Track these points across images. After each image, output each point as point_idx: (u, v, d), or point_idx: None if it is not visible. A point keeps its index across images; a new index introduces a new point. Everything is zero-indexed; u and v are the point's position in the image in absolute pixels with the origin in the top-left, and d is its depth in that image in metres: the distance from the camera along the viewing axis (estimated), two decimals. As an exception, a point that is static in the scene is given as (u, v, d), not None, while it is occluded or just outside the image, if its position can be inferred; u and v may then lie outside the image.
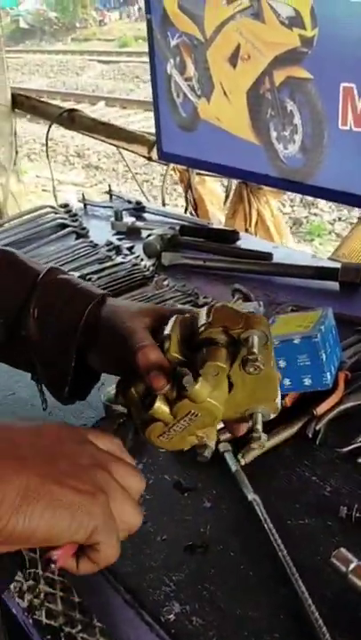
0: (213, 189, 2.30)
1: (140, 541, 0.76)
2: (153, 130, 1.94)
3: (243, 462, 0.84)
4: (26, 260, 0.74)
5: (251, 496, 0.79)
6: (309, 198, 4.87)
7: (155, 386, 0.56)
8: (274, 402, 0.60)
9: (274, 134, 1.47)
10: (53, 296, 0.69)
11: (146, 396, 0.57)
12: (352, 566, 0.65)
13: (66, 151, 7.64)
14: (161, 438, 0.57)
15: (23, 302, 0.70)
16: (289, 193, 3.80)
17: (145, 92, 9.49)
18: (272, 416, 0.61)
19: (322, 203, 4.92)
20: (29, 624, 0.96)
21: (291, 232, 4.70)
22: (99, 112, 8.36)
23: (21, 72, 13.47)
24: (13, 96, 2.89)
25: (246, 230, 2.20)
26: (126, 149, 2.30)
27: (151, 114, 1.87)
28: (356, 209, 4.46)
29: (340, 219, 4.81)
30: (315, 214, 4.90)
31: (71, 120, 2.46)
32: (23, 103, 2.88)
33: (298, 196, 4.92)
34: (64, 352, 0.67)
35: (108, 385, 1.02)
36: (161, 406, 0.56)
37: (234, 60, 1.50)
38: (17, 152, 2.90)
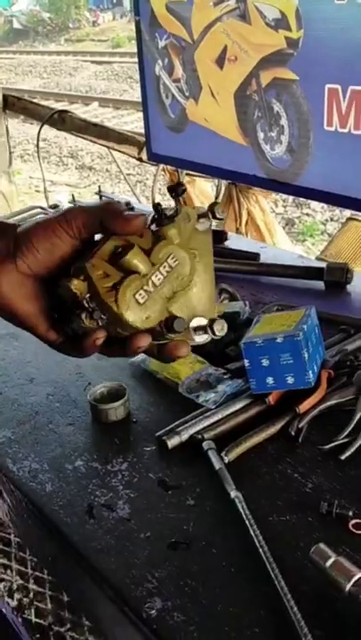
0: (204, 189, 2.31)
1: (124, 538, 0.76)
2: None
3: (226, 460, 0.85)
4: None
5: (233, 493, 0.79)
6: (302, 199, 4.89)
7: (133, 227, 0.52)
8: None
9: (261, 135, 1.48)
10: None
11: (116, 254, 0.51)
12: (330, 561, 0.66)
13: (59, 152, 7.64)
14: (137, 297, 0.50)
15: None
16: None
17: (138, 93, 9.50)
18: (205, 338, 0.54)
19: (314, 203, 4.94)
20: (19, 623, 0.97)
21: (284, 232, 4.72)
22: (92, 112, 8.37)
23: (14, 72, 13.46)
24: (5, 97, 2.89)
25: (237, 230, 2.21)
26: (117, 150, 2.31)
27: (143, 114, 1.87)
28: (348, 210, 4.48)
29: (332, 219, 4.83)
30: (307, 214, 4.92)
31: (62, 121, 2.47)
32: (14, 104, 2.88)
33: (290, 197, 4.94)
34: None
35: (94, 385, 1.03)
36: (137, 251, 0.50)
37: (221, 61, 1.51)
38: (11, 152, 2.90)
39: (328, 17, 1.25)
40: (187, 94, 1.66)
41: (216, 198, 2.14)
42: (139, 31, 1.75)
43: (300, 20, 1.30)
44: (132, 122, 7.59)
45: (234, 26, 1.44)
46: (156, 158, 1.90)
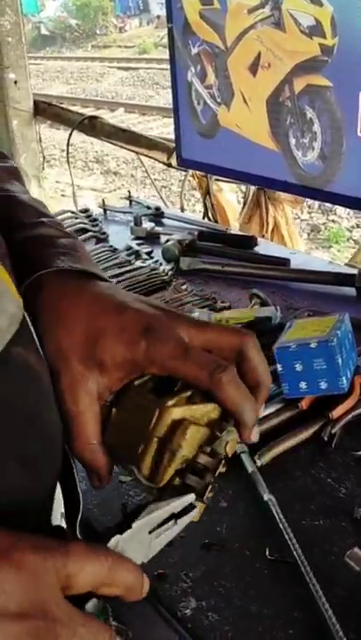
0: (229, 201, 2.32)
1: (158, 538, 0.77)
2: (172, 136, 1.97)
3: (259, 463, 0.86)
4: None
5: (267, 496, 0.80)
6: (328, 205, 4.87)
7: (92, 485, 0.49)
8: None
9: (293, 141, 1.49)
10: None
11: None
12: (366, 566, 0.66)
13: (85, 157, 7.72)
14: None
15: None
16: (307, 199, 3.81)
17: (164, 99, 9.56)
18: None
19: (340, 209, 4.92)
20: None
21: (308, 238, 4.71)
22: (118, 118, 8.44)
23: (42, 78, 13.62)
24: (35, 103, 2.93)
25: (263, 237, 2.22)
26: (146, 156, 2.33)
27: (170, 120, 1.89)
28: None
29: (358, 225, 4.81)
30: (333, 221, 4.90)
31: (92, 127, 2.50)
32: (45, 110, 2.92)
33: (316, 203, 4.92)
34: None
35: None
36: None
37: (254, 68, 1.52)
38: (44, 158, 2.94)
39: (363, 24, 1.26)
40: (219, 100, 1.67)
41: (244, 205, 2.15)
42: (171, 38, 1.77)
43: (335, 28, 1.31)
44: (157, 127, 7.63)
45: (268, 33, 1.45)
46: (185, 164, 1.92)
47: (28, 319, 0.44)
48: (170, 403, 0.44)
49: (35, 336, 0.44)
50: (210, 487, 0.45)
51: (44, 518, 0.46)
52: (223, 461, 0.46)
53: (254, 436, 0.46)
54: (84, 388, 0.45)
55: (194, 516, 0.45)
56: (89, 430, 0.46)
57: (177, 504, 0.43)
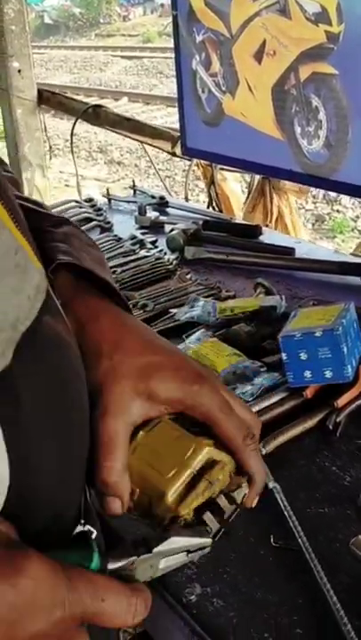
0: (234, 190, 2.31)
1: (163, 526, 0.78)
2: (176, 125, 1.96)
3: (264, 452, 0.86)
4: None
5: (272, 484, 0.80)
6: (332, 195, 4.84)
7: (107, 512, 0.47)
8: None
9: (298, 130, 1.48)
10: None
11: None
12: (371, 553, 0.67)
13: (89, 147, 7.69)
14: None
15: None
16: (312, 189, 3.79)
17: (168, 88, 9.50)
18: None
19: (345, 199, 4.90)
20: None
21: (313, 229, 4.69)
22: (122, 107, 8.39)
23: (45, 68, 13.56)
24: (39, 92, 2.92)
25: (267, 226, 2.21)
26: (150, 145, 2.31)
27: (174, 109, 1.89)
28: (380, 206, 4.44)
29: (363, 215, 4.79)
30: (337, 211, 4.88)
31: (96, 116, 2.49)
32: (49, 99, 2.91)
33: (320, 193, 4.90)
34: None
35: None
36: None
37: (259, 55, 1.51)
38: (51, 147, 2.93)
39: (370, 11, 1.25)
40: (223, 89, 1.66)
41: (249, 194, 2.14)
42: (176, 26, 1.75)
43: (340, 15, 1.30)
44: (161, 117, 7.59)
45: (273, 20, 1.44)
46: (190, 153, 1.91)
47: (50, 290, 0.44)
48: (205, 441, 0.47)
49: (60, 307, 0.45)
50: (221, 530, 0.47)
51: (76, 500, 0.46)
52: (234, 512, 0.48)
53: (255, 503, 0.51)
54: (128, 410, 0.47)
55: (204, 553, 0.46)
56: (120, 452, 0.46)
57: (196, 542, 0.45)
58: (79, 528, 0.46)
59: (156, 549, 0.42)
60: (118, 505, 0.46)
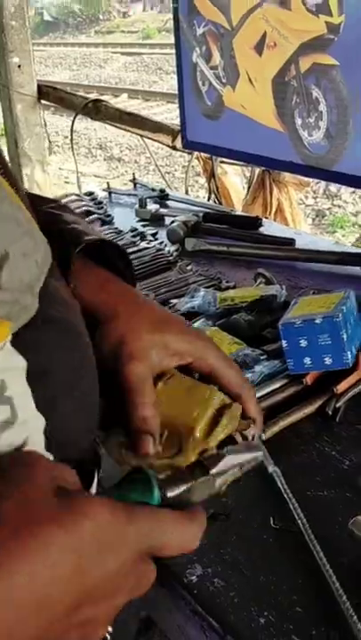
0: (234, 183, 2.31)
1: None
2: (176, 122, 1.96)
3: (264, 437, 0.86)
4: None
5: (271, 468, 0.81)
6: (332, 189, 4.85)
7: (142, 451, 0.50)
8: None
9: (299, 121, 1.48)
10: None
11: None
12: (370, 534, 0.67)
13: (88, 143, 7.69)
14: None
15: None
16: (312, 184, 3.80)
17: (168, 84, 9.49)
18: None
19: (345, 194, 4.90)
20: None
21: (313, 224, 4.70)
22: (122, 104, 8.37)
23: (45, 65, 13.54)
24: (39, 87, 2.92)
25: (266, 218, 2.22)
26: (151, 139, 2.32)
27: (173, 105, 1.89)
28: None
29: (363, 211, 4.79)
30: (338, 206, 4.88)
31: (96, 110, 2.50)
32: (49, 94, 2.91)
33: (321, 188, 4.90)
34: None
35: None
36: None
37: (260, 47, 1.51)
38: (50, 142, 2.93)
39: (370, 2, 1.25)
40: (224, 81, 1.67)
41: (249, 187, 2.15)
42: (176, 19, 1.76)
43: (341, 5, 1.30)
44: (161, 113, 7.59)
45: (274, 12, 1.44)
46: (190, 146, 1.91)
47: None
48: (215, 387, 0.54)
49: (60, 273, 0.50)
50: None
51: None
52: None
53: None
54: (149, 357, 0.53)
55: (254, 464, 0.51)
56: (150, 391, 0.52)
57: (249, 457, 0.50)
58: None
59: (212, 471, 0.47)
60: (151, 443, 0.50)
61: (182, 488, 0.44)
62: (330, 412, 0.90)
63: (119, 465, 0.52)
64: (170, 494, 0.43)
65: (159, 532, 0.40)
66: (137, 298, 0.58)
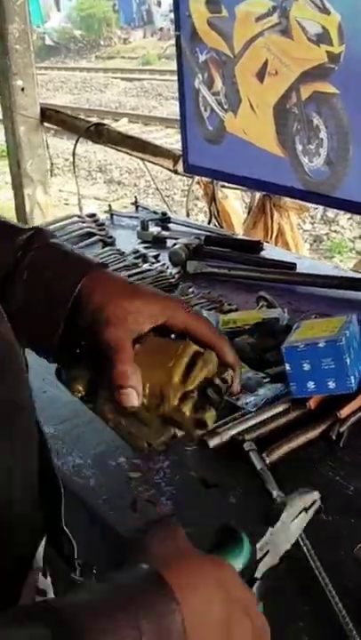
0: (235, 208, 2.33)
1: (168, 533, 0.78)
2: (175, 146, 1.98)
3: (267, 461, 0.86)
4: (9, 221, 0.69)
5: (276, 493, 0.81)
6: (330, 215, 4.89)
7: (127, 404, 0.55)
8: None
9: (299, 147, 1.50)
10: (46, 261, 0.63)
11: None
12: (376, 560, 0.67)
13: (88, 166, 7.75)
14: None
15: (14, 264, 0.63)
16: (311, 210, 3.82)
17: (167, 110, 9.61)
18: None
19: (343, 220, 4.94)
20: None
21: (311, 249, 4.72)
22: (122, 128, 8.46)
23: (46, 88, 13.70)
24: (42, 110, 2.96)
25: (267, 242, 2.23)
26: (152, 162, 2.34)
27: (173, 130, 1.92)
28: (377, 226, 4.48)
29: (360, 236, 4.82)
30: (335, 231, 4.92)
31: (98, 134, 2.52)
32: (52, 117, 2.94)
33: (318, 213, 4.94)
34: (52, 322, 0.61)
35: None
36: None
37: (261, 75, 1.54)
38: (52, 163, 2.95)
39: (370, 32, 1.28)
40: (226, 107, 1.69)
41: (250, 211, 2.17)
42: (179, 46, 1.79)
43: (342, 36, 1.33)
44: (160, 138, 7.67)
45: (276, 41, 1.47)
46: (192, 170, 1.93)
47: None
48: (188, 341, 0.59)
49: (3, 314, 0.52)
50: (222, 404, 0.58)
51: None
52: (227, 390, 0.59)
53: (239, 387, 0.62)
54: (125, 321, 0.57)
55: (316, 508, 0.59)
56: (129, 350, 0.56)
57: (308, 499, 0.58)
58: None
59: (283, 515, 0.55)
60: (134, 396, 0.54)
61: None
62: (333, 437, 0.90)
63: (107, 422, 0.58)
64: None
65: (246, 608, 0.47)
66: (109, 275, 0.63)
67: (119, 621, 0.37)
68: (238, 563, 0.51)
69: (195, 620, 0.41)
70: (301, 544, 0.73)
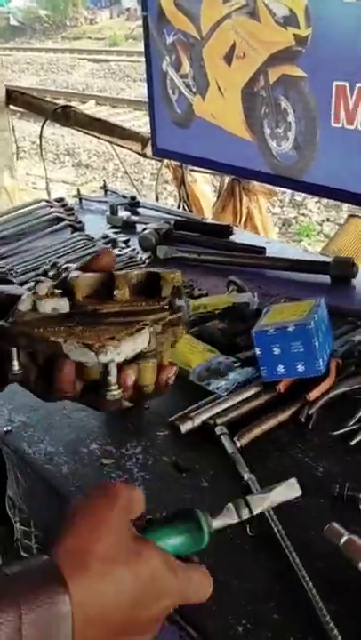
0: (204, 192, 2.33)
1: (140, 518, 0.78)
2: (143, 129, 1.97)
3: (238, 445, 0.87)
4: None
5: (247, 476, 0.81)
6: (298, 199, 4.92)
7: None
8: None
9: (267, 131, 1.50)
10: None
11: None
12: (343, 540, 0.68)
13: (56, 149, 7.64)
14: None
15: None
16: (280, 193, 3.84)
17: (135, 92, 9.50)
18: None
19: (311, 204, 4.97)
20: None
21: (280, 232, 4.75)
22: (89, 111, 8.35)
23: (11, 70, 13.41)
24: (7, 92, 2.90)
25: (236, 227, 2.24)
26: (120, 146, 2.32)
27: (141, 113, 1.90)
28: (344, 210, 4.52)
29: (328, 219, 4.86)
30: (303, 215, 4.95)
31: (66, 116, 2.48)
32: (17, 99, 2.89)
33: (287, 197, 4.97)
34: None
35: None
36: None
37: (229, 57, 1.53)
38: (18, 147, 2.90)
39: (336, 15, 1.28)
40: (194, 90, 1.68)
41: (219, 195, 2.17)
42: (146, 27, 1.77)
43: (308, 18, 1.33)
44: (128, 120, 7.59)
45: (243, 23, 1.46)
46: (161, 153, 1.92)
47: None
48: None
49: None
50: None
51: None
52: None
53: None
54: None
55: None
56: None
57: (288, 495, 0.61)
58: None
59: (255, 512, 0.58)
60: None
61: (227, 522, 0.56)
62: (303, 420, 0.91)
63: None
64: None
65: (191, 590, 0.50)
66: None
67: None
68: (180, 538, 0.54)
69: (88, 607, 0.42)
70: (272, 525, 0.74)
